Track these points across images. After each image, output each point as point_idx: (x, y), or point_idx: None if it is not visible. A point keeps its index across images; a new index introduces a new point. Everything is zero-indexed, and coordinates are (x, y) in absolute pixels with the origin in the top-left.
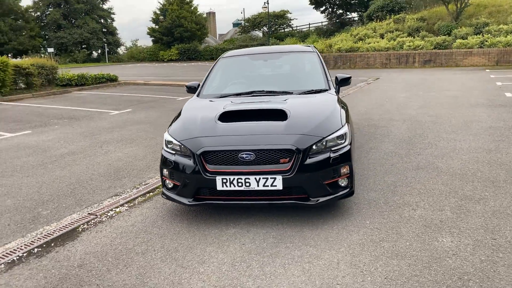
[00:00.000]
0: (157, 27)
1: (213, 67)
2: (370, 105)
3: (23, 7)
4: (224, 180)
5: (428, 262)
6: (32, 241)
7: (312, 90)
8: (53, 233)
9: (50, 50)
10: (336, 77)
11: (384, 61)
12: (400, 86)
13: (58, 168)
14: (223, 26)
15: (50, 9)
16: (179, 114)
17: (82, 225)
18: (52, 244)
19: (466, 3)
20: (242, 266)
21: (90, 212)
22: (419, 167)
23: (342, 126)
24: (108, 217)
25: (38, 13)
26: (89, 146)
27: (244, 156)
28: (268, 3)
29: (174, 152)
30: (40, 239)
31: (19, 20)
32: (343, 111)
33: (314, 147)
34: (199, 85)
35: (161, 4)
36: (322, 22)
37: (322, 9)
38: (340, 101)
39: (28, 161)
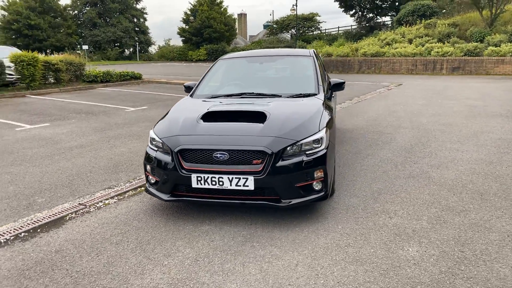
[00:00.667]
0: (187, 27)
1: (210, 68)
2: (384, 111)
3: (62, 5)
4: (199, 178)
5: (386, 269)
6: (21, 226)
7: (301, 94)
8: (42, 220)
9: (85, 47)
10: (329, 82)
11: (410, 67)
12: (420, 93)
13: (63, 160)
14: (255, 27)
15: (87, 8)
16: (167, 113)
17: (70, 214)
18: (38, 230)
19: (501, 9)
20: (204, 262)
21: (80, 202)
22: (410, 176)
23: (319, 131)
24: (96, 208)
25: (76, 12)
26: (98, 140)
27: (218, 155)
28: (296, 6)
29: (156, 149)
30: (29, 224)
31: (57, 18)
32: (325, 116)
33: (287, 149)
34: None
35: (191, 4)
36: (352, 25)
37: (351, 12)
38: (326, 106)
39: (39, 152)
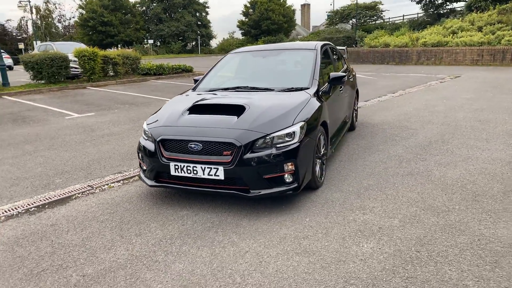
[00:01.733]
0: (246, 20)
1: (218, 62)
2: (422, 105)
3: (131, 2)
4: (176, 167)
5: (329, 262)
6: (34, 202)
7: (292, 88)
8: (52, 197)
9: (150, 41)
10: (328, 76)
11: (475, 57)
12: (474, 86)
13: (91, 146)
14: (319, 17)
15: (153, 4)
16: (162, 106)
17: (77, 194)
18: (46, 206)
19: None
20: (166, 243)
21: (89, 184)
22: (410, 173)
23: (293, 125)
24: (100, 190)
25: (144, 8)
26: (129, 129)
27: (192, 146)
28: None
29: (146, 138)
30: (40, 201)
31: (127, 15)
32: (308, 110)
33: (257, 142)
34: None
35: None
36: (418, 13)
37: None
38: (317, 100)
39: (75, 138)
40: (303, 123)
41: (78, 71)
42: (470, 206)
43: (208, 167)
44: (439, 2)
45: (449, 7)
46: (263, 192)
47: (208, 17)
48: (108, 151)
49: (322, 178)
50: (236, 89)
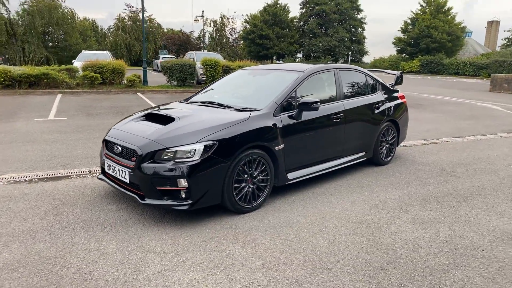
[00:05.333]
0: (404, 36)
1: (221, 77)
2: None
3: (289, 18)
4: (107, 165)
5: (177, 252)
6: (41, 175)
7: (247, 108)
8: (56, 174)
9: (299, 55)
10: (297, 100)
11: None
12: None
13: None
14: None
15: (310, 20)
16: None
17: (75, 175)
18: (45, 179)
19: None
20: (69, 229)
21: (90, 169)
22: (361, 222)
23: (196, 142)
24: (93, 175)
25: (301, 23)
26: None
27: (115, 148)
28: None
29: None
30: (47, 175)
31: (285, 29)
32: (230, 131)
33: (158, 153)
34: None
35: (413, 13)
36: None
37: None
38: (261, 123)
39: None
40: (211, 142)
41: (204, 77)
42: (449, 213)
43: (120, 169)
44: None
45: None
46: (154, 202)
47: (364, 33)
48: None
49: (256, 203)
50: (205, 103)
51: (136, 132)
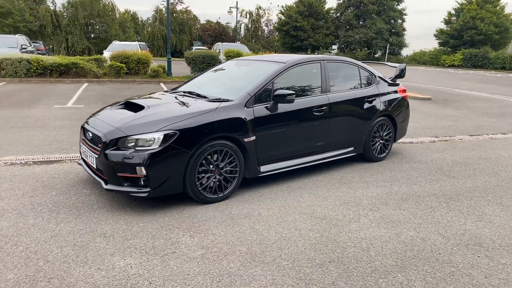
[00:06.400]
0: (447, 28)
1: (212, 68)
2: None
3: (325, 8)
4: (82, 150)
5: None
6: (37, 158)
7: (220, 99)
8: (50, 158)
9: (334, 47)
10: (273, 92)
11: None
12: None
13: None
14: None
15: (347, 11)
16: None
17: (68, 160)
18: (38, 162)
19: None
20: (38, 209)
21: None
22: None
23: (156, 131)
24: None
25: (338, 14)
26: None
27: (87, 134)
28: None
29: None
30: (43, 159)
31: (320, 21)
32: (194, 121)
33: (121, 140)
34: None
35: (458, 3)
36: None
37: None
38: (230, 114)
39: None
40: (172, 131)
41: None
42: (423, 214)
43: (90, 155)
44: None
45: None
46: (116, 188)
47: (404, 24)
48: None
49: (222, 194)
50: (186, 93)
51: (107, 120)
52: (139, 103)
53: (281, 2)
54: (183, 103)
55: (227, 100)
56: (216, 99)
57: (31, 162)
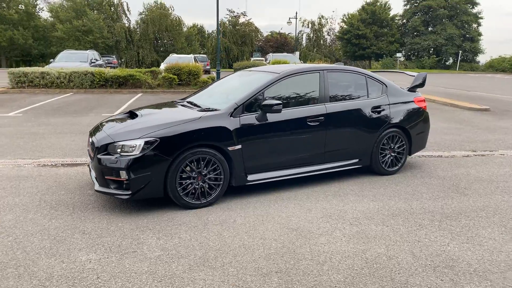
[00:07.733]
0: None
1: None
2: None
3: (389, 15)
4: (88, 154)
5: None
6: (53, 160)
7: (209, 108)
8: (78, 161)
9: (399, 55)
10: (260, 102)
11: None
12: None
13: None
14: None
15: (415, 17)
16: None
17: (80, 165)
18: (51, 165)
19: None
20: (45, 206)
21: None
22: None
23: (138, 138)
24: None
25: (404, 21)
26: None
27: (90, 140)
28: None
29: None
30: (70, 162)
31: (385, 28)
32: (176, 129)
33: (110, 146)
34: None
35: None
36: None
37: None
38: (215, 123)
39: None
40: (153, 139)
41: None
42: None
43: (90, 159)
44: None
45: None
46: (104, 189)
47: (480, 28)
48: None
49: (206, 200)
50: (187, 103)
51: (105, 127)
52: (137, 112)
53: (345, 10)
54: (176, 112)
55: (214, 110)
56: (205, 108)
57: (60, 164)
